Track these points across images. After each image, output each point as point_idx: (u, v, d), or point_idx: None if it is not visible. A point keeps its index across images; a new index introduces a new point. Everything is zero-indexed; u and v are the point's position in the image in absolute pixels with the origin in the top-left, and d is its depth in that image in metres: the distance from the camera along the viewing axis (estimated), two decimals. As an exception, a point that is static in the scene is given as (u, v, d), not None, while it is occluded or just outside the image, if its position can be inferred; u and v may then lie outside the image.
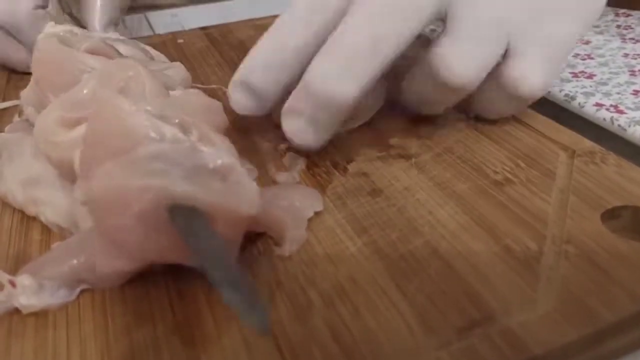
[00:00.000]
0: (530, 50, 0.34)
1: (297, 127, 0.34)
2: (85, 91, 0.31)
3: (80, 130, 0.28)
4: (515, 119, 0.39)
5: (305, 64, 0.33)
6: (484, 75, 0.34)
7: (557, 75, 0.42)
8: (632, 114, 0.38)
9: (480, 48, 0.33)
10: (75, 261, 0.27)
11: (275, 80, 0.35)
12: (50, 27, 0.39)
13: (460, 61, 0.33)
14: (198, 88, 0.48)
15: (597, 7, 0.35)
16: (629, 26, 0.57)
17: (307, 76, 0.32)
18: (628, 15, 0.61)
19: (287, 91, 0.35)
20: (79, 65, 0.33)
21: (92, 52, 0.34)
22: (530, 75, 0.34)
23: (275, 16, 0.36)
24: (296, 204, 0.31)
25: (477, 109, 0.38)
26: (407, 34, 0.32)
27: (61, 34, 0.37)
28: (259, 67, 0.35)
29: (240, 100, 0.37)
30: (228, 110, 0.36)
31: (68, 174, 0.30)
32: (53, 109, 0.30)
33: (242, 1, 0.76)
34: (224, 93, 0.47)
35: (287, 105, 0.34)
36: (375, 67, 0.32)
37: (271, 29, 0.36)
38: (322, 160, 0.36)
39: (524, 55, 0.34)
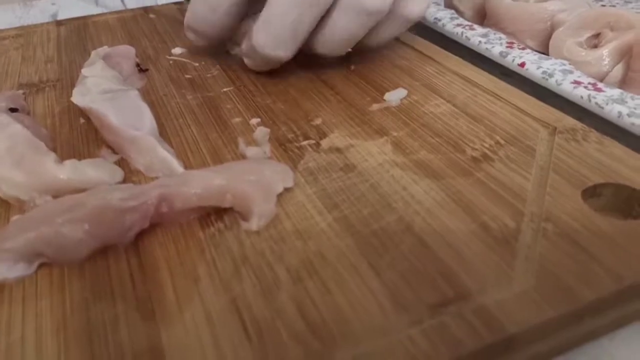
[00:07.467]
0: None
1: (251, 63, 0.43)
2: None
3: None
4: (494, 95, 0.38)
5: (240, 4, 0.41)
6: None
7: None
8: (609, 92, 0.37)
9: None
10: (33, 234, 0.25)
11: (211, 25, 0.42)
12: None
13: None
14: (168, 59, 0.47)
15: None
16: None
17: (252, 41, 0.39)
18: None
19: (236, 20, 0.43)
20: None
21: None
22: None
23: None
24: (265, 179, 0.29)
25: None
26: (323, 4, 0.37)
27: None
28: (198, 13, 0.42)
29: (192, 38, 0.45)
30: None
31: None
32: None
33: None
34: (195, 67, 0.46)
35: (242, 50, 0.42)
36: (299, 36, 0.39)
37: None
38: (295, 136, 0.35)
39: None
